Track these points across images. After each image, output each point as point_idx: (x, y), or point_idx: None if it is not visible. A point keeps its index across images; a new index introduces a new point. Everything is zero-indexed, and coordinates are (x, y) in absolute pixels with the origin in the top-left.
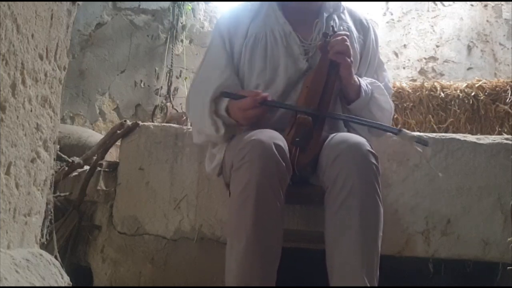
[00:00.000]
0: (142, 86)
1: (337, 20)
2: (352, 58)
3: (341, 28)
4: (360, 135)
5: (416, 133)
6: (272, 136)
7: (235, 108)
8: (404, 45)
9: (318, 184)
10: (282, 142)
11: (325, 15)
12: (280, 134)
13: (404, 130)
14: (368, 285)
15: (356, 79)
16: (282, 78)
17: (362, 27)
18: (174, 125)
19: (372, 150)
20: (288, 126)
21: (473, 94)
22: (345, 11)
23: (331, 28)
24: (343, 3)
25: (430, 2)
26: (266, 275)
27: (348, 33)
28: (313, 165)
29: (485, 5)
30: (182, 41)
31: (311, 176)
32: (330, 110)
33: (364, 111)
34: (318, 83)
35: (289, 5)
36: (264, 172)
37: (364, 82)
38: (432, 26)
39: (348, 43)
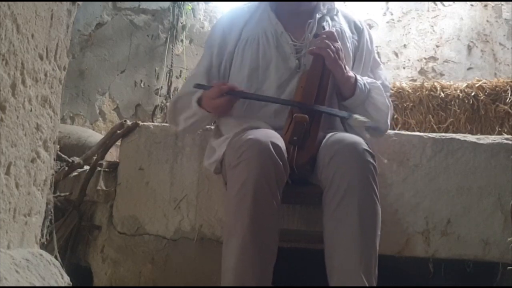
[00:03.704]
0: (142, 86)
1: (330, 22)
2: (337, 55)
3: (334, 29)
4: (358, 134)
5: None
6: (270, 135)
7: (205, 98)
8: (404, 45)
9: (317, 183)
10: (279, 141)
11: (318, 16)
12: (278, 133)
13: (354, 115)
14: (367, 285)
15: (352, 78)
16: (274, 77)
17: (356, 28)
18: None
19: (369, 149)
20: (285, 125)
21: (473, 94)
22: (339, 14)
23: (322, 29)
24: (336, 6)
25: (430, 2)
26: (263, 273)
27: (332, 31)
28: (312, 163)
29: (485, 5)
30: (182, 41)
31: (310, 175)
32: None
33: (359, 108)
34: (313, 83)
35: (282, 6)
36: (262, 171)
37: (363, 81)
38: (432, 26)
39: (330, 40)
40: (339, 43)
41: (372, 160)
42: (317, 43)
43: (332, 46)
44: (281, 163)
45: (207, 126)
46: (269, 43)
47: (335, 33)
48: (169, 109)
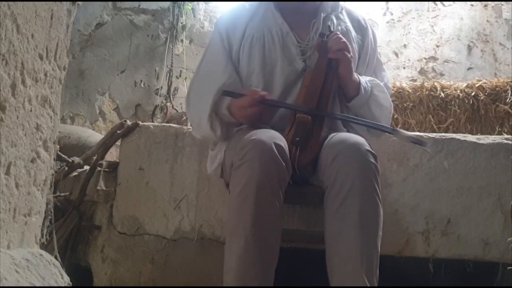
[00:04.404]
0: (142, 86)
1: (334, 20)
2: (351, 54)
3: (339, 28)
4: (359, 134)
5: (413, 133)
6: (273, 136)
7: (235, 106)
8: (404, 45)
9: (318, 184)
10: (282, 142)
11: (323, 15)
12: (281, 134)
13: (400, 130)
14: (368, 285)
15: (355, 76)
16: (279, 78)
17: (360, 27)
18: (174, 125)
19: (371, 150)
20: (288, 125)
21: (473, 94)
22: (343, 11)
23: (327, 28)
24: (341, 3)
25: (430, 2)
26: (265, 274)
27: (340, 33)
28: (313, 164)
29: (485, 5)
30: (182, 41)
31: (311, 176)
32: (328, 109)
33: (363, 108)
34: (316, 83)
35: (287, 5)
36: (264, 171)
37: (364, 79)
38: (432, 26)
39: (345, 40)
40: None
41: (374, 161)
42: (334, 46)
43: (348, 47)
44: (283, 163)
45: None
46: (274, 43)
47: (341, 33)
48: (195, 127)
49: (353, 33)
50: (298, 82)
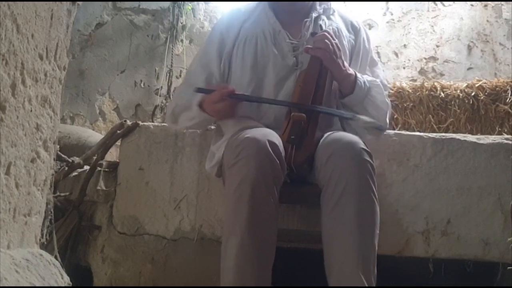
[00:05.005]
0: (142, 86)
1: (326, 21)
2: (335, 55)
3: (330, 28)
4: (356, 133)
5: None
6: (267, 134)
7: (205, 102)
8: (404, 45)
9: (315, 183)
10: (277, 140)
11: (314, 15)
12: (276, 133)
13: (358, 115)
14: (366, 284)
15: (352, 75)
16: (271, 74)
17: (353, 27)
18: None
19: (366, 148)
20: (283, 125)
21: (473, 94)
22: (335, 13)
23: (319, 28)
24: (333, 6)
25: (430, 2)
26: (262, 272)
27: (328, 30)
28: (310, 162)
29: (485, 5)
30: (182, 41)
31: (309, 174)
32: (323, 106)
33: (358, 107)
34: (310, 82)
35: (280, 6)
36: (259, 169)
37: (363, 79)
38: (432, 26)
39: (329, 39)
40: (337, 41)
41: (369, 159)
42: (315, 42)
43: (330, 45)
44: (278, 161)
45: (209, 127)
46: (266, 41)
47: (332, 32)
48: (169, 115)
49: (345, 32)
50: (290, 77)
